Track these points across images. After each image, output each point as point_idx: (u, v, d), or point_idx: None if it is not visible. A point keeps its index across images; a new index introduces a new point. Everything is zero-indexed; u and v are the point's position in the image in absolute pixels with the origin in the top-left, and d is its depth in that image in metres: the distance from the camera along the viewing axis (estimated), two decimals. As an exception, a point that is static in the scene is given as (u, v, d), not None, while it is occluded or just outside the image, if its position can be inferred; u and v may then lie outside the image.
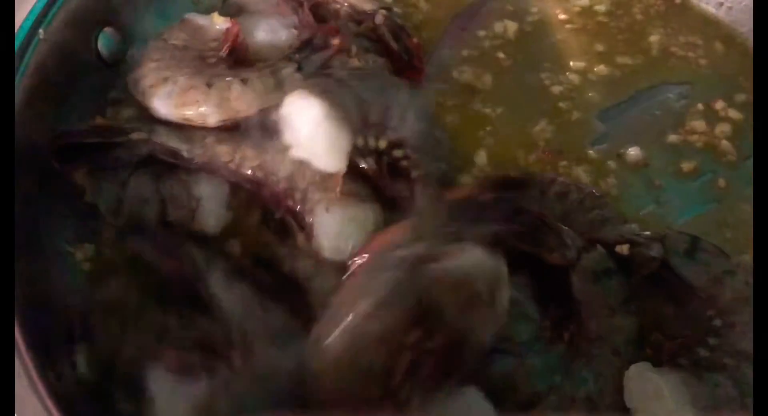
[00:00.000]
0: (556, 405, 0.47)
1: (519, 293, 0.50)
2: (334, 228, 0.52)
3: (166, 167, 0.57)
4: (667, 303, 0.52)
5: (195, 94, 0.57)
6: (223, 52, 0.62)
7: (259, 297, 0.51)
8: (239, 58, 0.63)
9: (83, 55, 0.62)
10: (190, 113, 0.57)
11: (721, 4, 0.75)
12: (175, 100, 0.58)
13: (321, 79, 0.58)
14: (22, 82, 0.54)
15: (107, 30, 0.63)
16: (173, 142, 0.57)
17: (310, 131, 0.53)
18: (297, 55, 0.60)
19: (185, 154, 0.56)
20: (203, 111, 0.57)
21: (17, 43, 0.55)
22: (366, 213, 0.54)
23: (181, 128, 0.58)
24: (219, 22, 0.64)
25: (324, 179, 0.54)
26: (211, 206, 0.56)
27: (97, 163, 0.57)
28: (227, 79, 0.57)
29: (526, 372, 0.48)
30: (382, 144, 0.57)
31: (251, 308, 0.50)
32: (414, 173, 0.57)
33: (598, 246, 0.52)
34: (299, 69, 0.59)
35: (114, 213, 0.56)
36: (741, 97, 0.68)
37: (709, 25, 0.75)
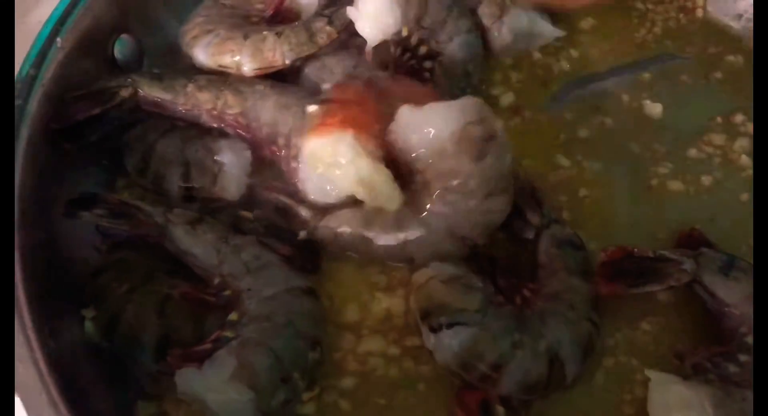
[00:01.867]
0: (521, 360, 0.49)
1: (457, 270, 0.53)
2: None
3: (194, 132, 0.59)
4: (698, 318, 0.53)
5: (231, 44, 0.61)
6: (268, 13, 0.65)
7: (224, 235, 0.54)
8: (284, 20, 0.65)
9: (100, 61, 0.62)
10: (227, 60, 0.61)
11: (740, 16, 0.76)
12: (213, 49, 0.61)
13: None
14: (38, 92, 0.54)
15: (124, 36, 0.63)
16: (156, 92, 0.59)
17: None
18: (327, 11, 0.63)
19: (169, 103, 0.59)
20: (238, 60, 0.60)
21: (35, 51, 0.55)
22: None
23: (161, 79, 0.60)
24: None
25: (305, 123, 0.55)
26: (232, 172, 0.57)
27: (101, 130, 0.58)
28: (264, 32, 0.61)
29: (489, 336, 0.49)
30: (422, 50, 0.62)
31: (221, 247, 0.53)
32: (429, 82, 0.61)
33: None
34: (330, 22, 0.61)
35: (140, 172, 0.59)
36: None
37: (727, 38, 0.76)
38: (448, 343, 0.49)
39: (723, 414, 0.47)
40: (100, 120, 0.57)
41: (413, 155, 0.53)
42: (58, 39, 0.57)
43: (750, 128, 0.68)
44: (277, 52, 0.60)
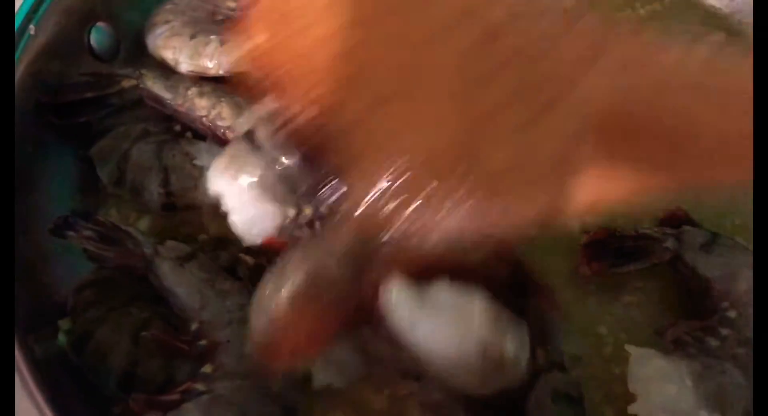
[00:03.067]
0: None
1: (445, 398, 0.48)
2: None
3: (167, 138, 0.59)
4: (680, 294, 0.54)
5: (177, 40, 0.59)
6: (236, 14, 0.62)
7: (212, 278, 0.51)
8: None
9: (76, 50, 0.60)
10: (168, 55, 0.60)
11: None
12: (160, 41, 0.60)
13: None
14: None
15: (100, 24, 0.61)
16: (158, 89, 0.59)
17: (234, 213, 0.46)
18: None
19: (169, 102, 0.59)
20: (176, 57, 0.59)
21: None
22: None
23: (167, 78, 0.60)
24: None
25: None
26: None
27: (93, 113, 0.58)
28: (211, 36, 0.59)
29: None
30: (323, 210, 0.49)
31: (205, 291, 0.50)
32: None
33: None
34: None
35: (116, 183, 0.57)
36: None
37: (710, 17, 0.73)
38: None
39: (702, 387, 0.47)
40: (94, 103, 0.58)
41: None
42: (31, 26, 0.55)
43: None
44: (214, 60, 0.58)
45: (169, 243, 0.53)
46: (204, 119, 0.58)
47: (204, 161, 0.56)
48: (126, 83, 0.59)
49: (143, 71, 0.60)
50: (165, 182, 0.56)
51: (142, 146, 0.58)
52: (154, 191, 0.56)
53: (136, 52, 0.63)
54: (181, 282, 0.50)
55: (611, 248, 0.54)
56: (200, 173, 0.56)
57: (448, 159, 0.32)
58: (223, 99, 0.58)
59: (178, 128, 0.61)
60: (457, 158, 0.32)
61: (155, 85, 0.59)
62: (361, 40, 0.33)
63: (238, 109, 0.57)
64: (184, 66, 0.59)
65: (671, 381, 0.48)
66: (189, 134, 0.60)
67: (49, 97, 0.56)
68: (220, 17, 0.63)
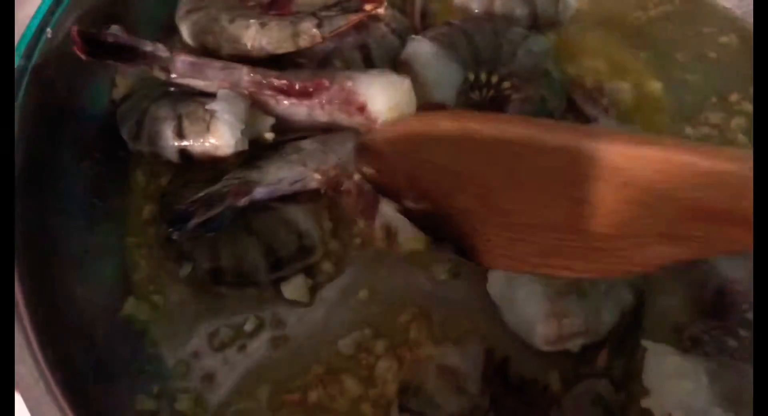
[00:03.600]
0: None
1: (467, 365, 0.50)
2: (378, 77, 0.56)
3: (187, 96, 0.59)
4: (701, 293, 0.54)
5: (215, 26, 0.60)
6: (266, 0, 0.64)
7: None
8: (281, 7, 0.64)
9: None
10: (208, 40, 0.61)
11: (733, -5, 0.75)
12: (198, 28, 0.61)
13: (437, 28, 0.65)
14: (30, 82, 0.54)
15: (114, 27, 0.60)
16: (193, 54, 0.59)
17: (422, 70, 0.61)
18: (323, 13, 0.60)
19: (208, 62, 0.58)
20: (217, 41, 0.60)
21: (25, 43, 0.55)
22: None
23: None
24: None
25: None
26: (225, 117, 0.56)
27: (117, 59, 0.57)
28: (250, 20, 0.60)
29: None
30: (494, 78, 0.63)
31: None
32: (514, 96, 0.62)
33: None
34: (319, 26, 0.59)
35: (135, 137, 0.59)
36: (755, 90, 0.69)
37: (721, 18, 0.75)
38: None
39: (718, 386, 0.47)
40: (126, 52, 0.57)
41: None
42: (49, 29, 0.56)
43: (745, 106, 0.68)
44: (255, 43, 0.59)
45: (228, 174, 0.56)
46: (251, 71, 0.58)
47: (217, 105, 0.57)
48: (160, 48, 0.58)
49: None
50: (178, 129, 0.57)
51: (160, 102, 0.59)
52: (168, 138, 0.57)
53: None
54: (277, 169, 0.57)
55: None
56: (212, 115, 0.56)
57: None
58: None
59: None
60: None
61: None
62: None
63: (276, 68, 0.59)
64: (226, 51, 0.60)
65: (687, 378, 0.47)
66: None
67: (89, 34, 0.55)
68: (251, 3, 0.64)
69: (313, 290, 0.57)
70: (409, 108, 0.57)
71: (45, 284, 0.51)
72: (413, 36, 0.64)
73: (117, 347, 0.54)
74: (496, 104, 0.63)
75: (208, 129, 0.56)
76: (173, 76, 0.58)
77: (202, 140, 0.57)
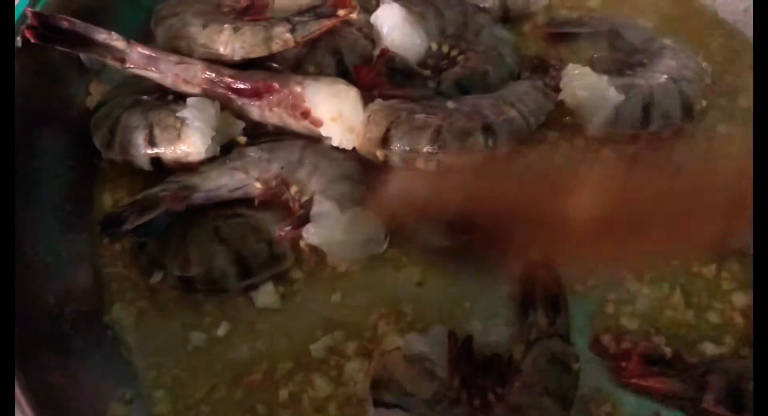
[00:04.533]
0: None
1: (433, 350, 0.51)
2: (326, 86, 0.58)
3: (159, 103, 0.60)
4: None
5: (188, 30, 0.61)
6: (240, 5, 0.64)
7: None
8: (255, 13, 0.64)
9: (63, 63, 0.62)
10: (182, 45, 0.61)
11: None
12: (172, 32, 0.61)
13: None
14: None
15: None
16: (151, 49, 0.59)
17: (390, 31, 0.64)
18: (296, 18, 0.61)
19: (164, 57, 0.59)
20: (190, 46, 0.61)
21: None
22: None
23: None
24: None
25: None
26: (195, 124, 0.57)
27: (68, 46, 0.58)
28: (224, 25, 0.60)
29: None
30: (454, 52, 0.67)
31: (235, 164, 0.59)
32: (460, 62, 0.66)
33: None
34: (292, 31, 0.60)
35: (107, 146, 0.59)
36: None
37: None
38: None
39: (619, 82, 0.61)
40: (81, 40, 0.58)
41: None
42: (18, 38, 0.56)
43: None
44: (228, 47, 0.60)
45: (170, 178, 0.58)
46: (206, 68, 0.59)
47: (188, 112, 0.57)
48: (116, 38, 0.59)
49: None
50: (149, 137, 0.57)
51: (132, 111, 0.59)
52: (139, 146, 0.57)
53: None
54: (218, 176, 0.58)
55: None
56: (183, 123, 0.57)
57: None
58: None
59: (170, 96, 0.61)
60: None
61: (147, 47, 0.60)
62: None
63: (234, 68, 0.60)
64: (198, 54, 0.61)
65: (596, 90, 0.60)
66: (181, 101, 0.60)
67: (39, 13, 0.56)
68: (226, 9, 0.65)
69: (286, 296, 0.57)
70: (354, 117, 0.58)
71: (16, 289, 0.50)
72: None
73: (90, 353, 0.54)
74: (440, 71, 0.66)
75: (179, 136, 0.57)
76: (128, 66, 0.59)
77: (173, 148, 0.57)
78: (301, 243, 0.56)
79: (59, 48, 0.58)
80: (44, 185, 0.58)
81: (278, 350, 0.55)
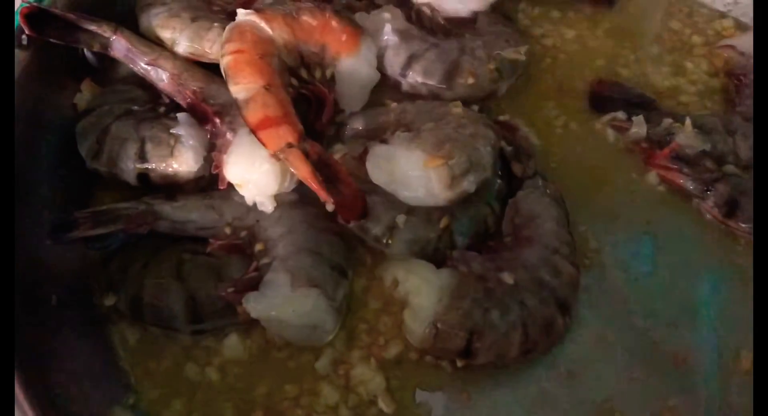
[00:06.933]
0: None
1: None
2: (248, 148, 0.53)
3: (150, 115, 0.58)
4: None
5: (177, 22, 0.59)
6: (231, 7, 0.61)
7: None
8: None
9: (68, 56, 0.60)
10: (166, 35, 0.59)
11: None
12: (158, 20, 0.59)
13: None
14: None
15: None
16: (133, 41, 0.58)
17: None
18: None
19: (139, 54, 0.58)
20: (175, 37, 0.59)
21: None
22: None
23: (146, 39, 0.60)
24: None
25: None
26: (190, 143, 0.55)
27: (60, 37, 0.57)
28: (214, 23, 0.58)
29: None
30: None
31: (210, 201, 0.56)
32: None
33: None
34: None
35: (94, 157, 0.56)
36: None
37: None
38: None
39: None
40: (68, 30, 0.57)
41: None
42: (24, 36, 0.55)
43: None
44: (216, 45, 0.57)
45: (146, 197, 0.55)
46: (175, 77, 0.57)
47: (182, 129, 0.55)
48: (104, 26, 0.57)
49: (124, 29, 0.59)
50: (140, 151, 0.55)
51: (123, 121, 0.57)
52: (128, 160, 0.55)
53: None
54: (190, 209, 0.55)
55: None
56: (177, 140, 0.55)
57: None
58: (197, 69, 0.58)
59: (162, 109, 0.58)
60: None
61: (131, 39, 0.58)
62: None
63: (209, 79, 0.57)
64: (182, 47, 0.58)
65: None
66: (173, 115, 0.57)
67: (28, 5, 0.54)
68: (216, 8, 0.62)
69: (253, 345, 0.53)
70: (266, 189, 0.52)
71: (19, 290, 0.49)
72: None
73: (91, 359, 0.53)
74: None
75: (171, 153, 0.55)
76: (111, 52, 0.58)
77: (164, 164, 0.55)
78: (239, 309, 0.50)
79: (53, 40, 0.56)
80: (47, 185, 0.56)
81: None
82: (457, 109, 0.57)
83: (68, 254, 0.55)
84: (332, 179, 0.50)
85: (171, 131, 0.55)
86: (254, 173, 0.51)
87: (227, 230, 0.55)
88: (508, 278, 0.51)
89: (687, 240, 0.59)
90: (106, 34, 0.57)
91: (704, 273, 0.57)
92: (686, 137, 0.61)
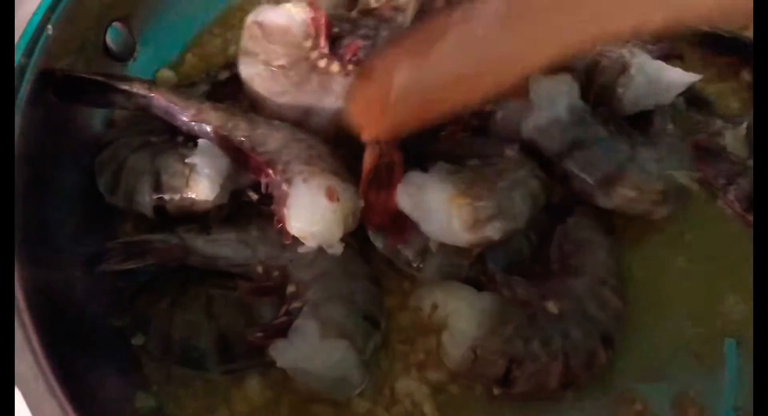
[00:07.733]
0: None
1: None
2: (307, 199, 0.50)
3: (167, 145, 0.57)
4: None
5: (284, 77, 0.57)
6: (324, 49, 0.58)
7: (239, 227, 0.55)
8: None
9: (92, 51, 0.60)
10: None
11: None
12: (260, 79, 0.58)
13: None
14: (29, 79, 0.52)
15: (116, 24, 0.61)
16: (171, 98, 0.56)
17: None
18: None
19: (179, 110, 0.56)
20: (288, 89, 0.57)
21: (26, 39, 0.53)
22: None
23: (181, 90, 0.59)
24: (298, 15, 0.58)
25: (310, 156, 0.53)
26: (205, 171, 0.54)
27: (92, 101, 0.57)
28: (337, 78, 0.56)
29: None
30: None
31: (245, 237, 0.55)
32: None
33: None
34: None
35: (111, 191, 0.56)
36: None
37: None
38: None
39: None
40: (99, 92, 0.56)
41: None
42: (49, 26, 0.53)
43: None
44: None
45: (181, 228, 0.54)
46: (219, 129, 0.55)
47: (197, 159, 0.54)
48: (137, 86, 0.56)
49: (147, 82, 0.58)
50: (156, 184, 0.54)
51: (139, 154, 0.55)
52: (145, 194, 0.54)
53: (152, 55, 0.65)
54: (222, 245, 0.54)
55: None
56: (192, 169, 0.53)
57: None
58: (237, 114, 0.56)
59: (180, 138, 0.57)
60: None
61: (168, 95, 0.56)
62: None
63: (254, 123, 0.55)
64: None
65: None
66: (191, 144, 0.56)
67: (56, 70, 0.54)
68: (320, 62, 0.58)
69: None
70: (330, 238, 0.50)
71: (46, 283, 0.50)
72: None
73: (116, 347, 0.54)
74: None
75: (187, 184, 0.54)
76: (151, 111, 0.57)
77: (179, 195, 0.54)
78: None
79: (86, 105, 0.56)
80: (70, 181, 0.57)
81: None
82: (511, 152, 0.54)
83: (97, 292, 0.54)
84: (382, 184, 0.51)
85: (186, 160, 0.54)
86: (316, 225, 0.49)
87: (259, 269, 0.53)
88: (552, 307, 0.50)
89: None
90: (142, 93, 0.56)
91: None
92: (733, 139, 0.62)
